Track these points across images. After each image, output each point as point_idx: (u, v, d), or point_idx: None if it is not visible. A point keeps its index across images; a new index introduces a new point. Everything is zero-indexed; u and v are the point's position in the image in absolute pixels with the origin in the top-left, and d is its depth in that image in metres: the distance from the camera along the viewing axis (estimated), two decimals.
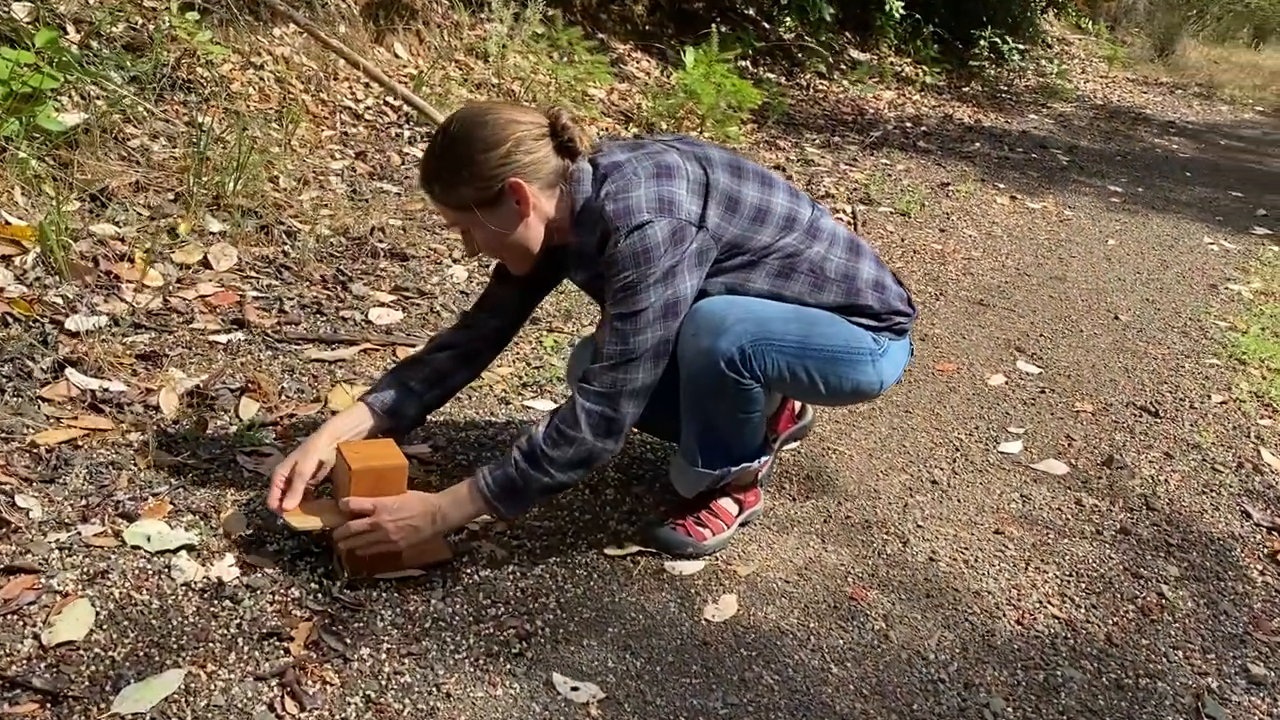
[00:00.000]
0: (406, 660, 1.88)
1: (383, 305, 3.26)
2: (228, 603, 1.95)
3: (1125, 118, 10.54)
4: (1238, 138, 10.49)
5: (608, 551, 2.26)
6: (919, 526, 2.51)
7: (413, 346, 3.02)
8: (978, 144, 7.90)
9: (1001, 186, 6.61)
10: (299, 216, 3.76)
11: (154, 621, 1.88)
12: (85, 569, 1.97)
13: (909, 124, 8.15)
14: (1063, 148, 8.32)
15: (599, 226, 1.98)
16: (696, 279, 2.01)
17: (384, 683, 1.82)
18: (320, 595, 2.01)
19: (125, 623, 1.87)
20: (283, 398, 2.68)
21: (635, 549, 2.27)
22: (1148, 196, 6.98)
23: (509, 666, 1.91)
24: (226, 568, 2.05)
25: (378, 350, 2.98)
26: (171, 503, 2.21)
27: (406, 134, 4.95)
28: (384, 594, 2.03)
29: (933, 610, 2.20)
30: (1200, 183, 7.76)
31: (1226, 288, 5.04)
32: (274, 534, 2.15)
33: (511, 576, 2.14)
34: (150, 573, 2.01)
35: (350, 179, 4.32)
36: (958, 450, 2.93)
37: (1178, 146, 9.35)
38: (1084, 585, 2.35)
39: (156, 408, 2.53)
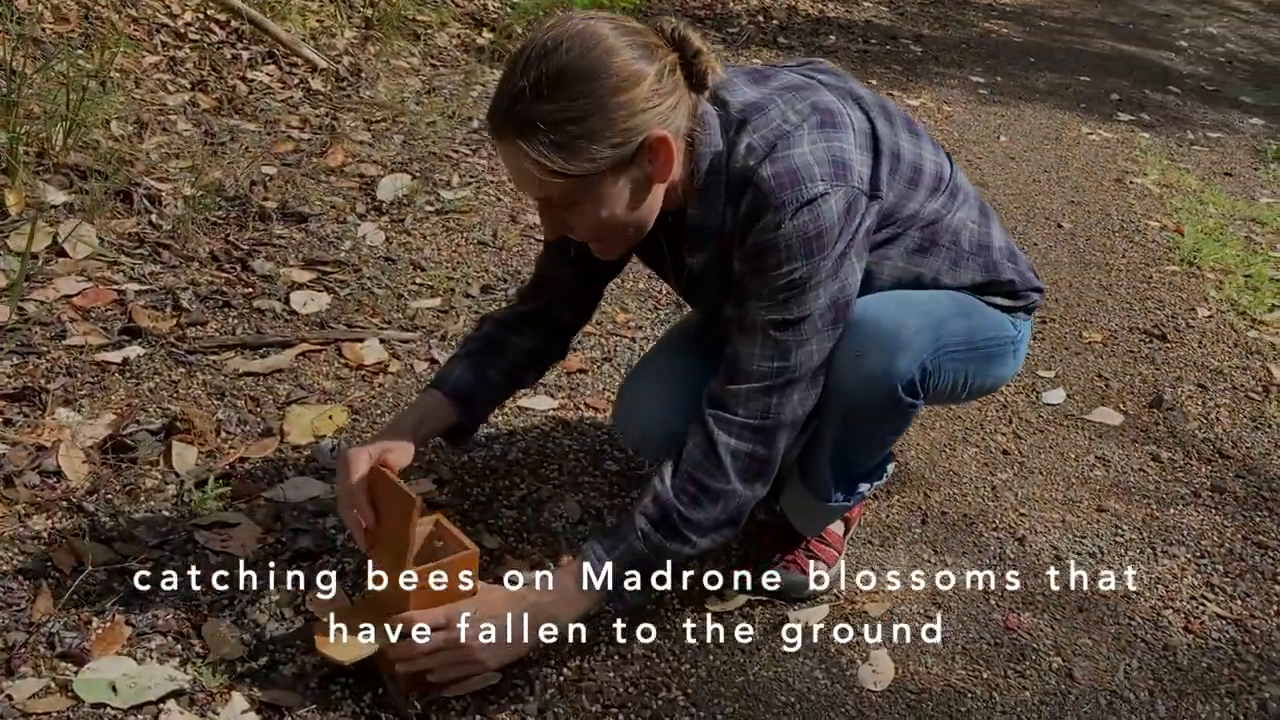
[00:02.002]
0: None
1: (302, 287, 2.60)
2: None
3: (948, 1, 10.47)
4: (1053, 19, 10.60)
5: (711, 608, 1.80)
6: (1021, 515, 2.17)
7: (359, 340, 2.40)
8: (833, 37, 7.57)
9: (875, 83, 6.31)
10: (153, 173, 2.99)
11: None
12: None
13: (760, 18, 7.74)
14: (910, 37, 8.11)
15: (744, 195, 1.46)
16: (862, 268, 1.54)
17: None
18: None
19: None
20: (223, 435, 2.04)
21: (743, 599, 1.82)
22: (1009, 86, 6.85)
23: None
24: (239, 717, 1.46)
25: (319, 351, 2.35)
26: (129, 623, 1.59)
27: (246, 56, 4.12)
28: None
29: (1095, 630, 1.86)
30: (1046, 68, 7.71)
31: (1131, 181, 4.93)
32: (283, 647, 1.58)
33: (609, 666, 1.65)
34: None
35: (196, 117, 3.53)
36: (1005, 408, 2.60)
37: (1008, 31, 9.33)
38: (1220, 568, 2.08)
39: (58, 474, 1.85)
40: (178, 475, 1.91)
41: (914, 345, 1.55)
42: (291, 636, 1.60)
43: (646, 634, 1.72)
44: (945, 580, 1.94)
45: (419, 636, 1.46)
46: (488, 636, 1.46)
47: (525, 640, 1.48)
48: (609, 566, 1.48)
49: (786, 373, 1.48)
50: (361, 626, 1.49)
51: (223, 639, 1.57)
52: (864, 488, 1.80)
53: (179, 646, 1.56)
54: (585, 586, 1.49)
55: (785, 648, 1.73)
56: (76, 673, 1.49)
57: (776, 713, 1.61)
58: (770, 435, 1.49)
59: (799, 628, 1.78)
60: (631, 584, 1.49)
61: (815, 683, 1.67)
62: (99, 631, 1.56)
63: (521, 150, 1.36)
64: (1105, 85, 7.39)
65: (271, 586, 1.69)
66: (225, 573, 1.71)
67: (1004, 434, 2.48)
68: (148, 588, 1.65)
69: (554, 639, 1.53)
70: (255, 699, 1.49)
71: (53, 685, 1.46)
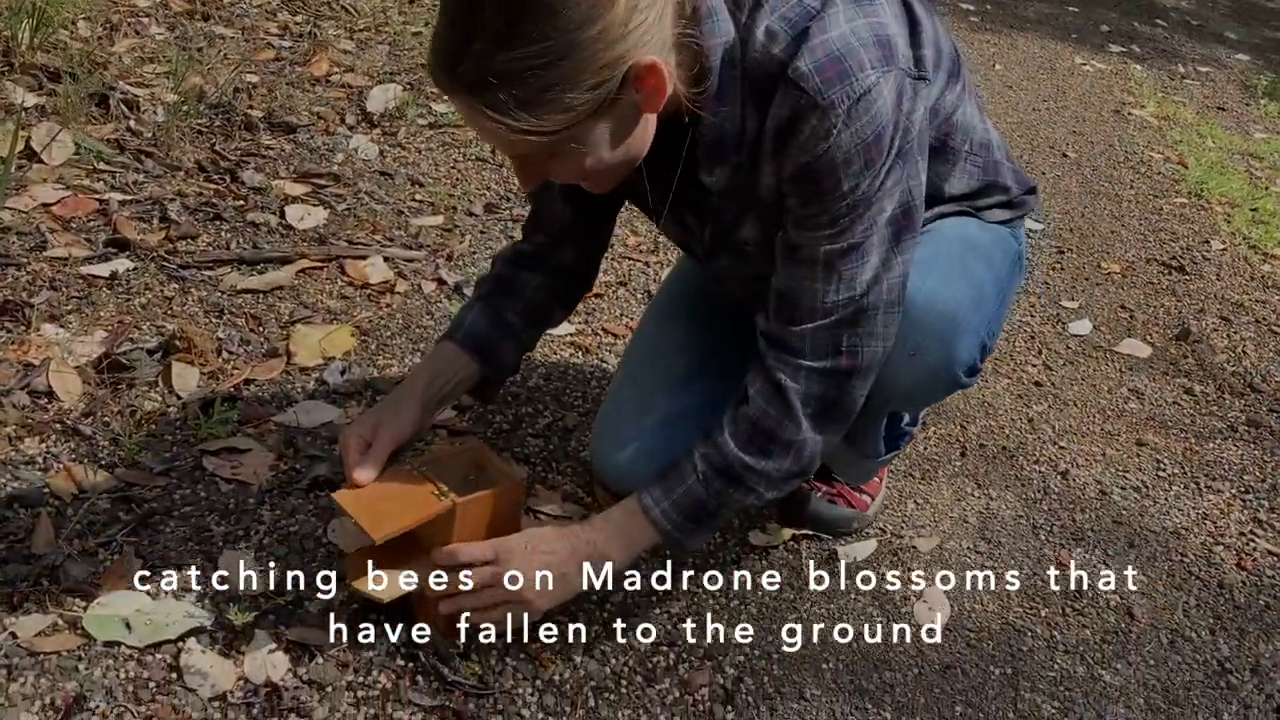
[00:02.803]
0: None
1: (296, 201, 2.44)
2: None
3: None
4: None
5: (756, 542, 1.70)
6: (1061, 449, 2.09)
7: (362, 258, 2.25)
8: None
9: None
10: (128, 77, 2.79)
11: None
12: (42, 702, 1.23)
13: None
14: None
15: (772, 95, 1.21)
16: (925, 164, 1.32)
17: None
18: (423, 678, 1.36)
19: None
20: (225, 356, 1.89)
21: (788, 533, 1.72)
22: (999, 15, 6.70)
23: None
24: (267, 656, 1.35)
25: (320, 268, 2.20)
26: (139, 555, 1.46)
27: None
28: (507, 661, 1.41)
29: (1150, 566, 1.79)
30: None
31: (1130, 113, 4.84)
32: (308, 582, 1.46)
33: (654, 602, 1.55)
34: (152, 688, 1.29)
35: (169, 21, 3.30)
36: (1034, 339, 2.51)
37: None
38: (1265, 503, 2.02)
39: (49, 394, 1.70)
40: (179, 398, 1.77)
41: (970, 325, 1.41)
42: (316, 570, 1.48)
43: (691, 570, 1.62)
44: (991, 514, 1.86)
45: (463, 574, 1.34)
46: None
47: (577, 580, 1.37)
48: (667, 507, 1.37)
49: (858, 304, 1.30)
50: (397, 559, 1.37)
51: (242, 573, 1.45)
52: (907, 436, 1.70)
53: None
54: (642, 526, 1.37)
55: (836, 586, 1.64)
56: (86, 609, 1.36)
57: (833, 651, 1.52)
58: (846, 379, 1.34)
59: (849, 564, 1.69)
60: (690, 527, 1.38)
61: (870, 620, 1.59)
62: (107, 565, 1.43)
63: (480, 111, 1.09)
64: (1094, 16, 7.27)
65: (291, 517, 1.57)
66: (237, 501, 1.58)
67: (1034, 365, 2.40)
68: (156, 518, 1.52)
69: (606, 581, 1.43)
70: (282, 637, 1.37)
71: (60, 622, 1.34)
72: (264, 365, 1.89)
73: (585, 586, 1.38)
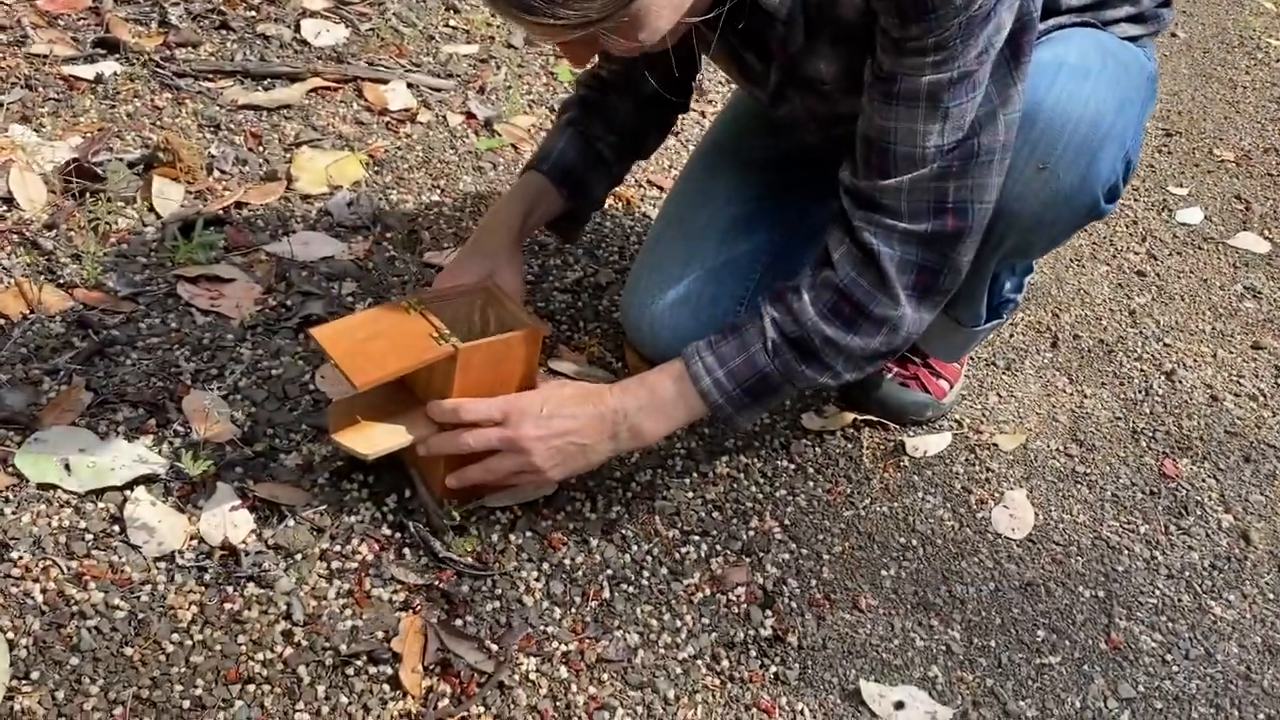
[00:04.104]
0: (599, 674, 1.08)
1: (315, 15, 2.16)
2: (252, 591, 1.07)
3: None
4: None
5: (810, 426, 1.46)
6: (1165, 346, 1.81)
7: (383, 82, 1.99)
8: None
9: None
10: None
11: (127, 667, 1.00)
12: None
13: None
14: None
15: None
16: None
17: None
18: (410, 552, 1.15)
19: (58, 678, 0.97)
20: (216, 175, 1.66)
21: (848, 417, 1.48)
22: None
23: (772, 668, 1.13)
24: (228, 514, 1.14)
25: (335, 89, 1.94)
26: (90, 388, 1.24)
27: None
28: (510, 539, 1.19)
29: (1267, 486, 1.54)
30: None
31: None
32: (286, 433, 1.25)
33: (688, 485, 1.33)
34: (88, 541, 1.09)
35: None
36: (1136, 224, 2.21)
37: None
38: None
39: (9, 200, 1.48)
40: (158, 217, 1.54)
41: (1114, 131, 1.14)
42: (296, 420, 1.27)
43: (729, 451, 1.39)
44: (1085, 414, 1.60)
45: (465, 434, 1.12)
46: (554, 442, 1.11)
47: (600, 453, 1.14)
48: (721, 376, 1.12)
49: (967, 150, 1.04)
50: (390, 412, 1.15)
51: (209, 417, 1.23)
52: (1012, 303, 1.44)
53: (153, 422, 1.22)
54: (686, 396, 1.13)
55: (901, 480, 1.41)
56: (19, 444, 1.15)
57: (895, 555, 1.29)
58: (952, 245, 1.09)
59: (918, 458, 1.44)
60: (745, 403, 1.14)
61: (940, 524, 1.35)
62: (51, 395, 1.22)
63: (520, 18, 0.92)
64: None
65: (274, 358, 1.35)
66: (213, 336, 1.36)
67: (1136, 253, 2.11)
68: (116, 347, 1.30)
69: (632, 454, 1.20)
70: (248, 493, 1.16)
71: None
72: (260, 188, 1.65)
73: (606, 459, 1.15)
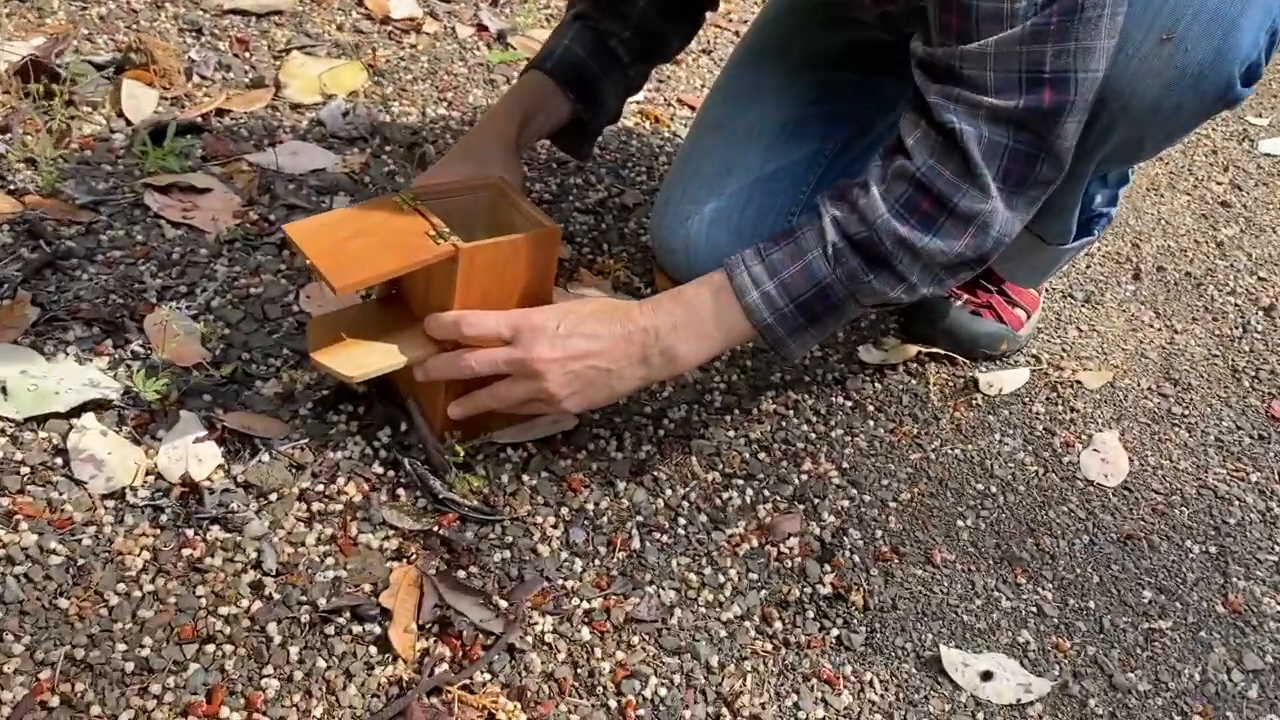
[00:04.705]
0: (628, 636, 0.90)
1: None
2: (216, 535, 0.90)
3: None
4: None
5: (867, 359, 1.27)
6: (1261, 281, 1.62)
7: None
8: None
9: None
10: None
11: (61, 622, 0.83)
12: None
13: None
14: None
15: None
16: None
17: (604, 704, 0.85)
18: (405, 493, 0.97)
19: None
20: (196, 80, 1.48)
21: (911, 350, 1.29)
22: None
23: (834, 631, 0.95)
24: (192, 446, 0.97)
25: None
26: (36, 302, 1.07)
27: None
28: (523, 480, 1.01)
29: None
30: None
31: None
32: (262, 356, 1.07)
33: (729, 422, 1.14)
34: (24, 475, 0.92)
35: None
36: (1216, 153, 2.01)
37: None
38: None
39: None
40: (129, 123, 1.36)
41: (1258, 4, 0.94)
42: (276, 344, 1.09)
43: (778, 387, 1.20)
44: (1177, 350, 1.41)
45: (467, 355, 0.94)
46: (572, 365, 0.93)
47: (627, 379, 0.95)
48: (771, 289, 0.94)
49: (1068, 2, 0.84)
50: (382, 328, 0.97)
51: (172, 336, 1.06)
52: (1105, 218, 1.25)
53: (109, 343, 1.05)
54: (729, 313, 0.95)
55: (975, 420, 1.22)
56: None
57: (971, 504, 1.11)
58: (1051, 123, 0.88)
59: (993, 395, 1.26)
60: (800, 323, 0.95)
61: (1022, 468, 1.17)
62: None
63: None
64: None
65: (254, 276, 1.17)
66: (184, 250, 1.18)
67: (1219, 183, 1.90)
68: (71, 260, 1.13)
69: (664, 386, 1.02)
70: (215, 422, 0.99)
71: None
72: (245, 95, 1.47)
73: (634, 389, 0.97)
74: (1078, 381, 1.31)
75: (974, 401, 1.25)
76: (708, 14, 1.33)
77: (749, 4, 2.15)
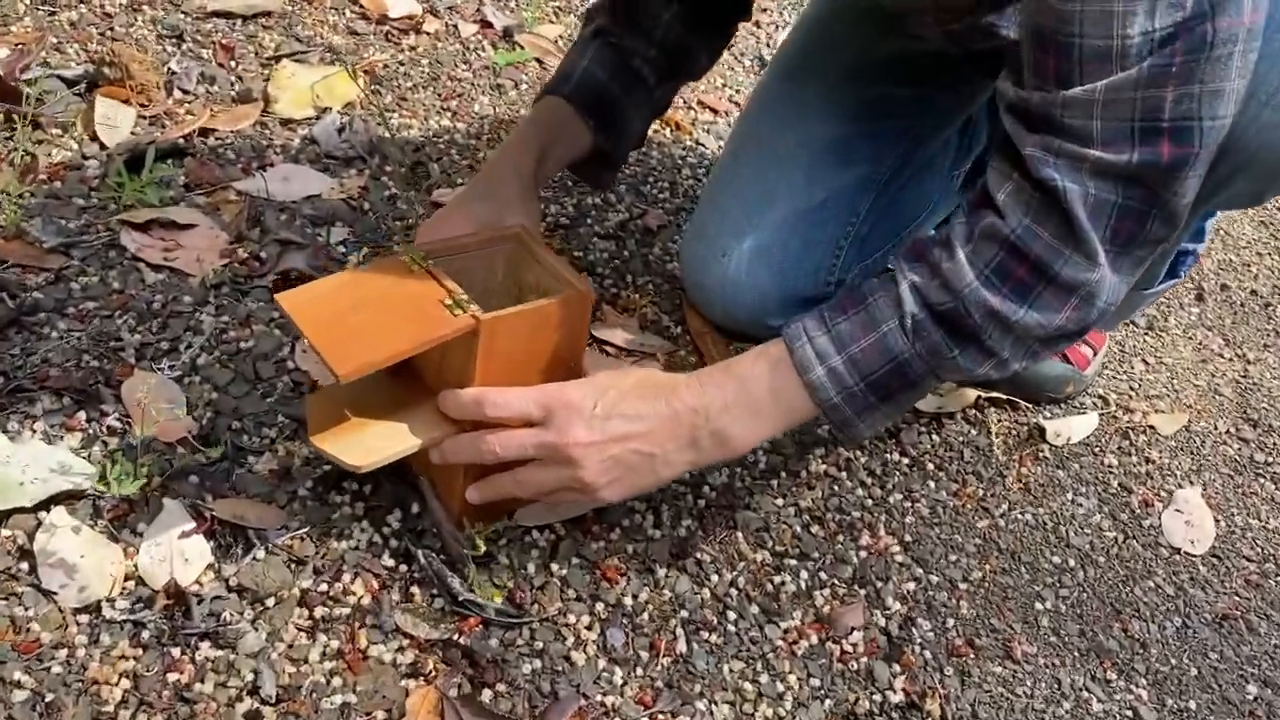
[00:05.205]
0: None
1: None
2: (207, 655, 0.78)
3: None
4: None
5: (920, 406, 1.16)
6: None
7: None
8: None
9: None
10: None
11: None
12: None
13: None
14: None
15: None
16: None
17: None
18: (420, 591, 0.86)
19: None
20: (177, 95, 1.34)
21: (970, 395, 1.17)
22: None
23: None
24: (177, 543, 0.85)
25: None
26: (0, 372, 0.95)
27: None
28: (554, 572, 0.90)
29: None
30: None
31: None
32: (256, 428, 0.95)
33: (778, 491, 1.03)
34: None
35: None
36: None
37: None
38: None
39: None
40: (103, 148, 1.23)
41: None
42: (270, 410, 0.97)
43: (827, 441, 1.08)
44: (1253, 384, 1.30)
45: (498, 436, 0.82)
46: (611, 449, 0.81)
47: (675, 462, 0.84)
48: (839, 364, 0.81)
49: (1193, 38, 0.71)
50: (390, 403, 0.85)
51: (155, 409, 0.93)
52: (1192, 257, 1.13)
53: (81, 414, 0.93)
54: (790, 392, 0.83)
55: (1045, 476, 1.10)
56: None
57: (1049, 581, 1.00)
58: (1165, 178, 0.75)
59: (1060, 445, 1.14)
60: (871, 403, 0.83)
61: (1100, 535, 1.05)
62: None
63: None
64: None
65: (243, 327, 1.05)
66: (166, 299, 1.06)
67: None
68: (39, 315, 1.00)
69: (714, 469, 0.90)
70: (204, 511, 0.87)
71: None
72: (231, 112, 1.34)
73: (679, 474, 0.85)
74: (1151, 426, 1.20)
75: (1041, 454, 1.13)
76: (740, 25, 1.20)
77: (781, 2, 2.01)
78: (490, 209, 0.95)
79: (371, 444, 0.83)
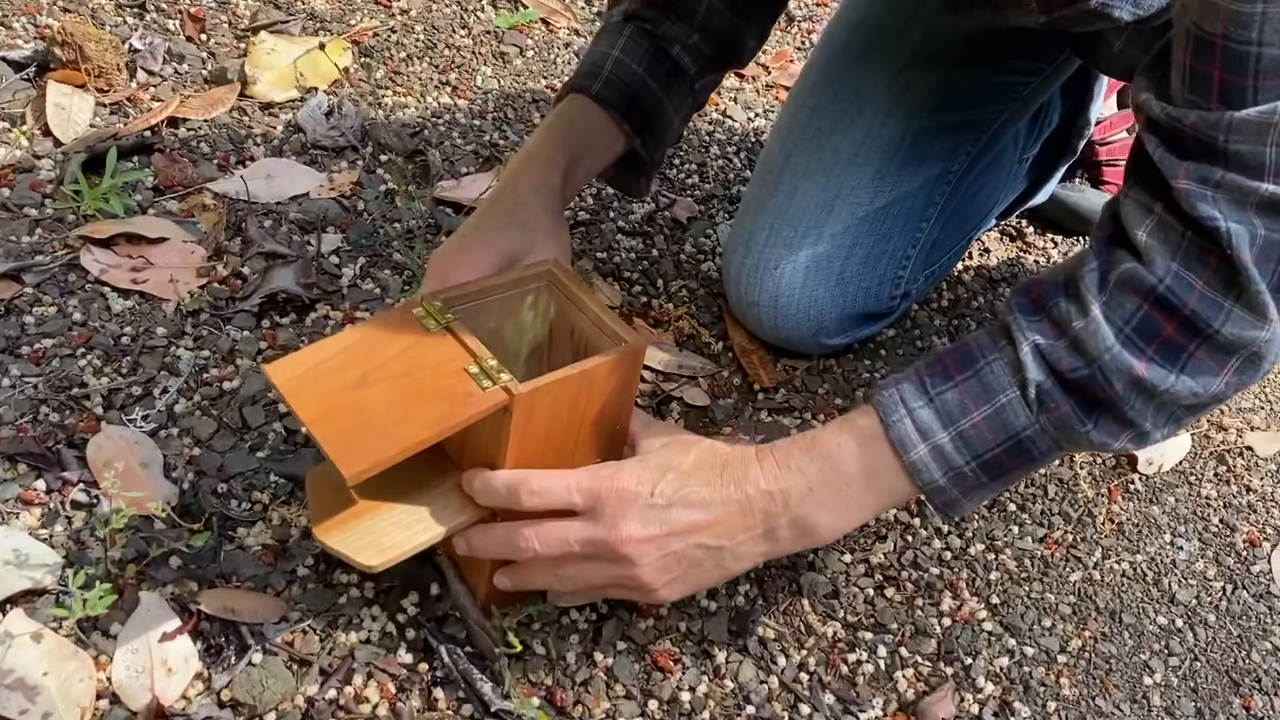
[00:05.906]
0: None
1: None
2: None
3: None
4: None
5: None
6: None
7: None
8: None
9: None
10: None
11: None
12: None
13: None
14: None
15: None
16: None
17: None
18: (446, 694, 0.73)
19: None
20: (141, 76, 1.18)
21: None
22: None
23: None
24: (157, 648, 0.72)
25: None
26: None
27: None
28: (598, 662, 0.77)
29: None
30: None
31: None
32: (247, 491, 0.82)
33: (847, 547, 0.90)
34: None
35: None
36: None
37: None
38: None
39: None
40: (59, 145, 1.07)
41: None
42: (260, 469, 0.84)
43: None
44: None
45: (536, 528, 0.68)
46: (671, 544, 0.68)
47: (746, 556, 0.71)
48: (944, 442, 0.68)
49: None
50: (406, 482, 0.72)
51: (129, 473, 0.80)
52: None
53: (40, 483, 0.79)
54: (882, 471, 0.70)
55: (1138, 513, 0.98)
56: None
57: (1156, 648, 0.88)
58: None
59: (1151, 474, 1.02)
60: (981, 482, 0.70)
61: (1206, 586, 0.93)
62: None
63: None
64: None
65: (221, 364, 0.91)
66: (136, 331, 0.92)
67: None
68: None
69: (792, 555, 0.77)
70: (187, 605, 0.74)
71: None
72: (204, 96, 1.18)
73: (750, 566, 0.73)
74: (1248, 447, 1.07)
75: (1132, 486, 1.01)
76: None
77: None
78: (513, 239, 0.80)
79: (386, 537, 0.69)
